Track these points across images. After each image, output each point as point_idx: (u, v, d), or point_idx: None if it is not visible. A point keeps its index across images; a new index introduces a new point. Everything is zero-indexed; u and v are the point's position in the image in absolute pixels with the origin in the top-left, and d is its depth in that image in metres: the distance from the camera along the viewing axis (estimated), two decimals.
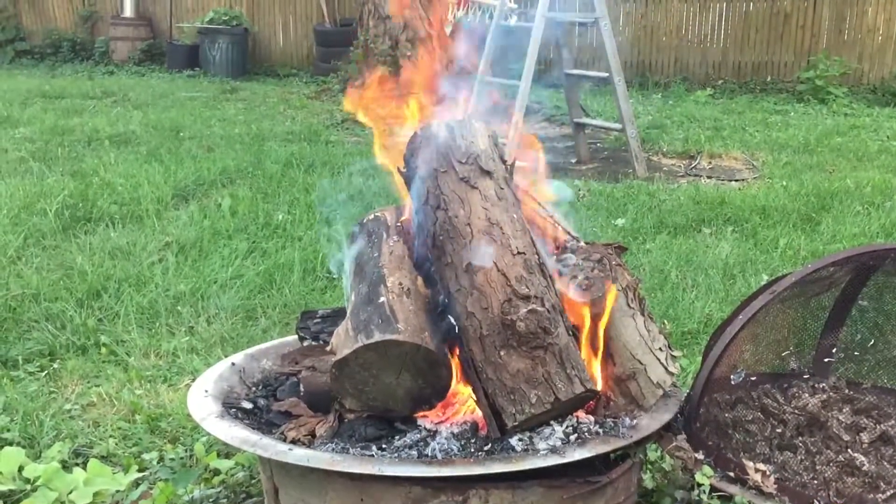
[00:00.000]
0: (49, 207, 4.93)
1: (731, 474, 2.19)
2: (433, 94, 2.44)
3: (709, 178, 6.56)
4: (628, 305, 2.13)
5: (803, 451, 2.28)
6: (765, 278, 3.92)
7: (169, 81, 11.94)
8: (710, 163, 7.10)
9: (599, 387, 2.08)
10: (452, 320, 2.02)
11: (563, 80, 7.12)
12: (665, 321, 3.55)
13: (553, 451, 1.88)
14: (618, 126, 6.86)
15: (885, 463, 2.24)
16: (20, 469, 2.38)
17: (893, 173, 6.34)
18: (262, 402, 2.27)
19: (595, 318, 2.09)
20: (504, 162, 2.26)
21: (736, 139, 7.79)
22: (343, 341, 2.03)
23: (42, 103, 9.30)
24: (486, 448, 1.95)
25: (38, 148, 6.86)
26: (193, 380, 2.53)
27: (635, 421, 2.04)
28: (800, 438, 2.32)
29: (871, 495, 2.13)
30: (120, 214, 4.98)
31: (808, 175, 6.27)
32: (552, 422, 1.98)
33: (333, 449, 1.96)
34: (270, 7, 13.55)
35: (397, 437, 2.00)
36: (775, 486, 2.14)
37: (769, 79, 11.45)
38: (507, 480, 1.83)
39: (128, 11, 13.84)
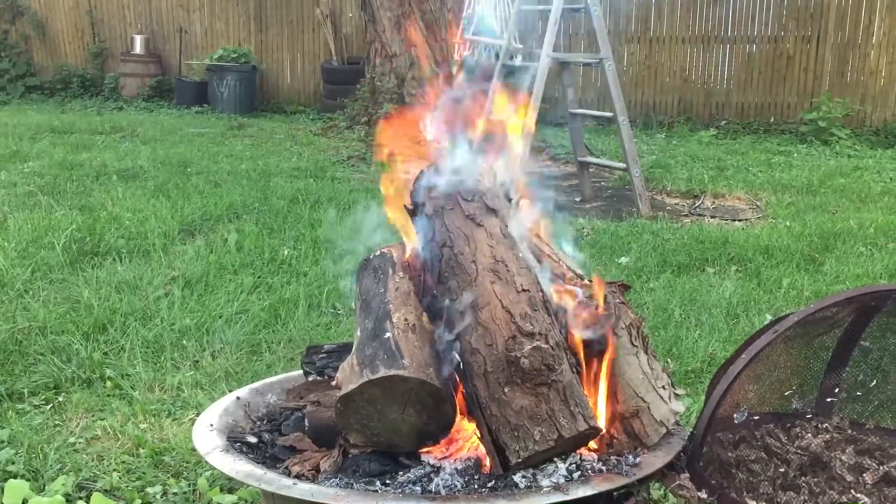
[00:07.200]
0: (57, 241, 4.96)
1: None
2: (439, 133, 2.47)
3: (712, 217, 6.59)
4: (632, 343, 2.14)
5: (806, 492, 2.28)
6: (768, 318, 3.93)
7: (177, 117, 12.05)
8: (713, 202, 7.13)
9: (603, 424, 2.08)
10: (457, 356, 2.03)
11: (567, 119, 7.19)
12: (668, 360, 3.56)
13: (556, 488, 1.89)
14: (622, 165, 6.91)
15: None
16: (24, 502, 2.39)
17: None
18: (266, 436, 2.28)
19: (599, 356, 2.11)
20: (509, 200, 2.28)
21: (739, 179, 7.83)
22: (348, 376, 2.05)
23: (51, 138, 9.39)
24: (489, 484, 1.95)
25: (46, 182, 6.92)
26: (198, 414, 2.54)
27: (638, 459, 2.04)
28: (803, 478, 2.32)
29: None
30: (127, 249, 5.02)
31: (811, 215, 6.29)
32: (555, 459, 1.98)
33: (338, 484, 1.96)
34: (278, 45, 13.71)
35: (401, 473, 2.00)
36: None
37: (772, 120, 11.53)
38: None
39: (138, 48, 14.01)
